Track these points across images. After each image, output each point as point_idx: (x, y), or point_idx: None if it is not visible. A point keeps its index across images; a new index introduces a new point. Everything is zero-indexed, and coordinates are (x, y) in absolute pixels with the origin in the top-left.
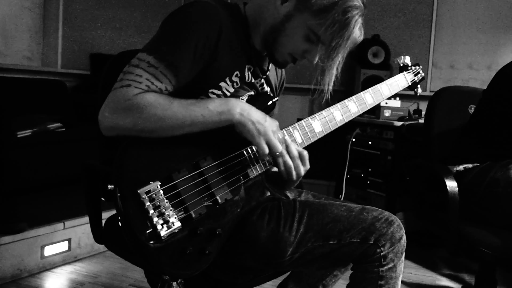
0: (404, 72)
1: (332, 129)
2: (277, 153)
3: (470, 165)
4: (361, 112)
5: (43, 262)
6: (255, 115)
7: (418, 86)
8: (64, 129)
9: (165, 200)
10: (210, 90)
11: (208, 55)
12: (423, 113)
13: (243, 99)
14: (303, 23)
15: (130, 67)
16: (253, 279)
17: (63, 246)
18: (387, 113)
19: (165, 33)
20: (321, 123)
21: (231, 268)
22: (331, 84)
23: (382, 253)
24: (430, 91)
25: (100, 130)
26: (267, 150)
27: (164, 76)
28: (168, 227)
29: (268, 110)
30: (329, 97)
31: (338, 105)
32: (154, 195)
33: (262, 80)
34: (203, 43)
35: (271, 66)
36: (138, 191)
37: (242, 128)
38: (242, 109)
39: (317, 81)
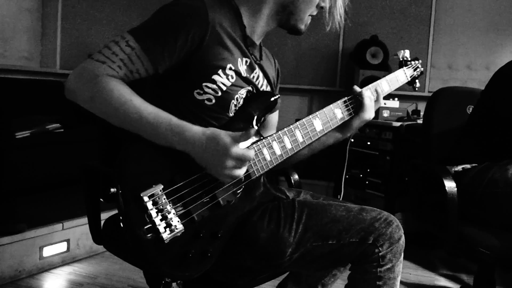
0: (404, 68)
1: (333, 127)
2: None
3: (468, 166)
4: None
5: (41, 263)
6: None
7: (417, 80)
8: (62, 130)
9: (168, 204)
10: (204, 84)
11: (190, 48)
12: (422, 113)
13: (242, 94)
14: None
15: (110, 43)
16: (253, 280)
17: (61, 247)
18: (385, 114)
19: (152, 21)
20: (322, 122)
21: (231, 269)
22: (343, 14)
23: (380, 253)
24: (429, 92)
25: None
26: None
27: (137, 59)
28: (171, 231)
29: (270, 107)
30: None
31: (339, 102)
32: (157, 198)
33: (258, 73)
34: (185, 35)
35: (264, 56)
36: (141, 195)
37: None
38: (193, 148)
39: (329, 18)
